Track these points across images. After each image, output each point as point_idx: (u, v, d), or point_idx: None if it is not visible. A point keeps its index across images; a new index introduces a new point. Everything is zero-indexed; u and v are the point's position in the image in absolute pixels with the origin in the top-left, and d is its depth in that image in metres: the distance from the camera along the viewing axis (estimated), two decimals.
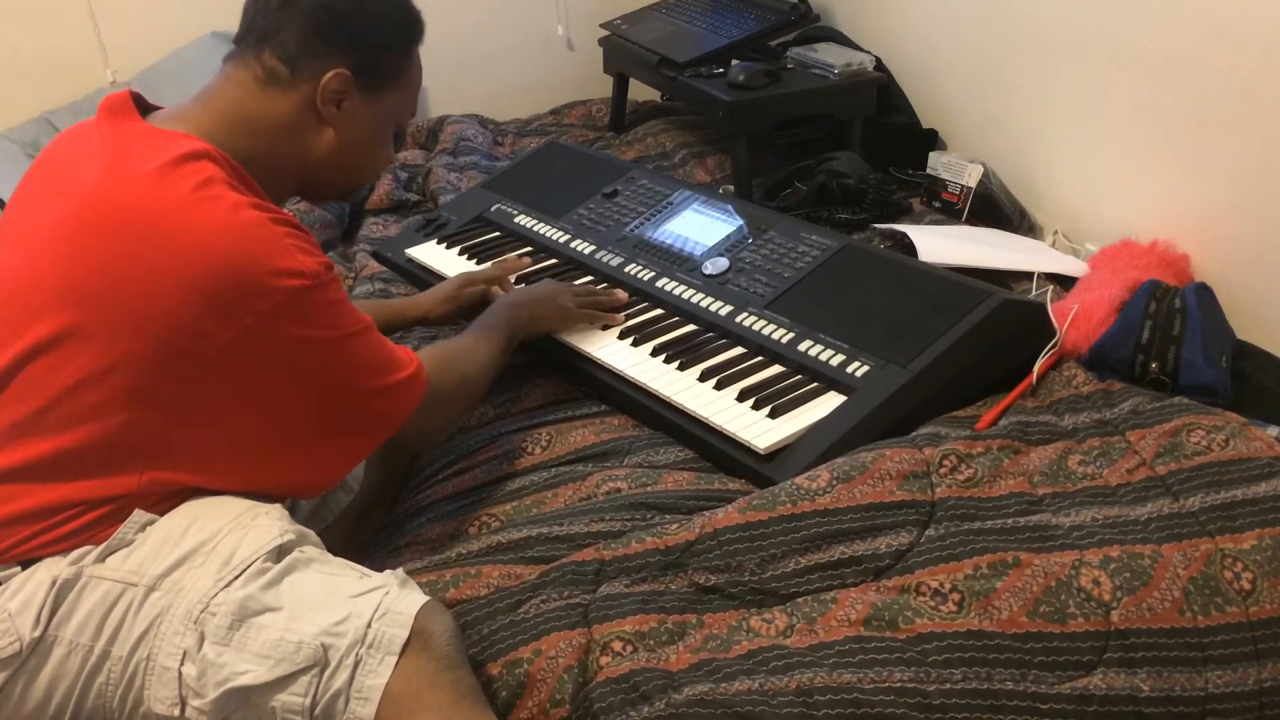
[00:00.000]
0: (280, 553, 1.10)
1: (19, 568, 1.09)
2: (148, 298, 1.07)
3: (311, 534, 1.17)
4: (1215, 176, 1.76)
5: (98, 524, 1.10)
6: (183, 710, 1.04)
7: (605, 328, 1.64)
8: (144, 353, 1.08)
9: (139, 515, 1.11)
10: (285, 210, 1.18)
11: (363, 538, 1.49)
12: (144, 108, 1.21)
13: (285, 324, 1.11)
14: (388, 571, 1.13)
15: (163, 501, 1.13)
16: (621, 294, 1.70)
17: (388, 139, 1.32)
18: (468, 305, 1.69)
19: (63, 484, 1.09)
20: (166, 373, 1.09)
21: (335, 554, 1.21)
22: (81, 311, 1.09)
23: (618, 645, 1.15)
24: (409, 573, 1.18)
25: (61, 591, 1.07)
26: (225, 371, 1.10)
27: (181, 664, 1.05)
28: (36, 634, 1.05)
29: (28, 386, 1.10)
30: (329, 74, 1.21)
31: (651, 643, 1.16)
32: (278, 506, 1.17)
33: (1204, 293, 1.64)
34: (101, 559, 1.09)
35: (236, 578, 1.07)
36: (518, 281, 1.77)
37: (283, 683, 1.02)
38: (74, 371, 1.09)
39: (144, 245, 1.08)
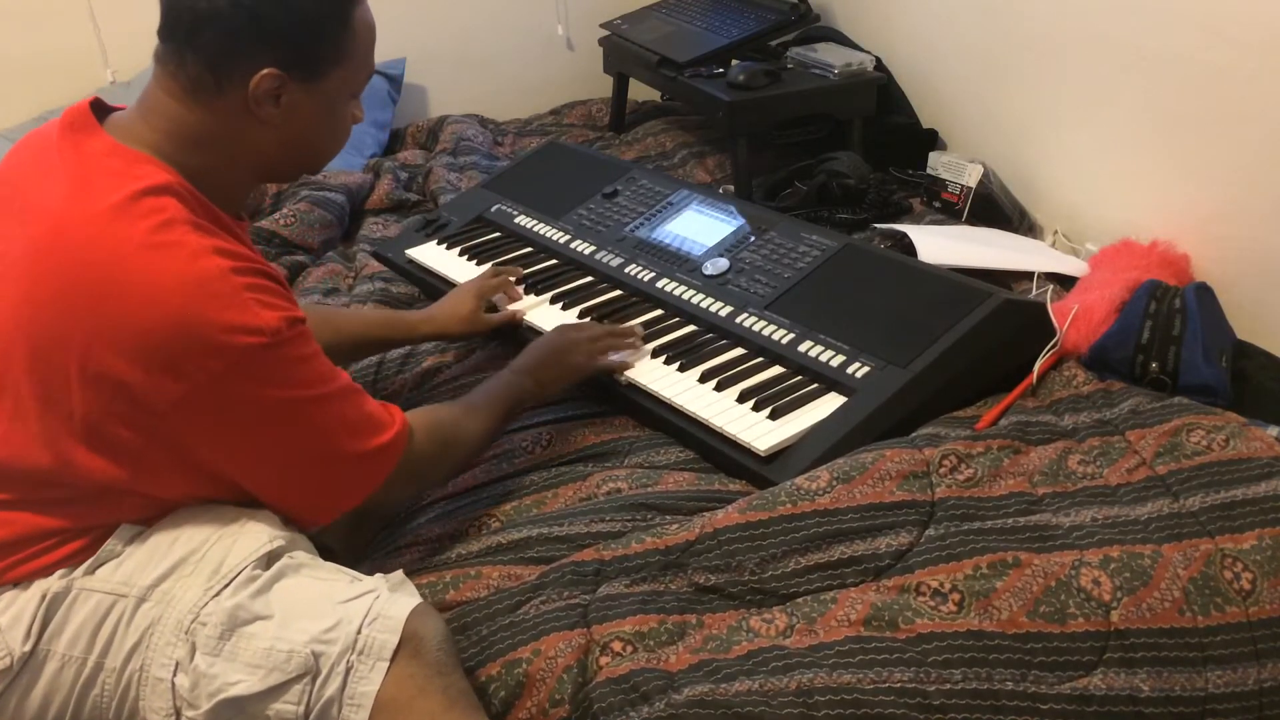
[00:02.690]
0: (270, 559, 1.10)
1: (10, 587, 1.08)
2: (99, 348, 1.02)
3: (302, 538, 1.16)
4: (1215, 176, 1.76)
5: (84, 550, 1.09)
6: None
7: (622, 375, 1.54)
8: (97, 400, 1.04)
9: (126, 527, 1.10)
10: (255, 252, 1.12)
11: (362, 538, 1.49)
12: (104, 110, 1.14)
13: (240, 383, 1.05)
14: (378, 575, 1.12)
15: (148, 522, 1.12)
16: (638, 329, 1.60)
17: (342, 114, 1.20)
18: (485, 330, 1.66)
19: (45, 515, 1.08)
20: (122, 423, 1.05)
21: (334, 555, 1.21)
22: (37, 357, 1.05)
23: (617, 645, 1.15)
24: (408, 573, 1.18)
25: (52, 605, 1.06)
26: (180, 425, 1.06)
27: (174, 675, 1.04)
28: (27, 648, 1.05)
29: None
30: (256, 77, 1.09)
31: (651, 643, 1.16)
32: (266, 511, 1.15)
33: (1204, 293, 1.63)
34: (91, 571, 1.08)
35: (225, 586, 1.06)
36: (525, 282, 1.76)
37: (275, 692, 1.02)
38: (39, 416, 1.06)
39: (97, 293, 1.02)
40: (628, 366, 1.54)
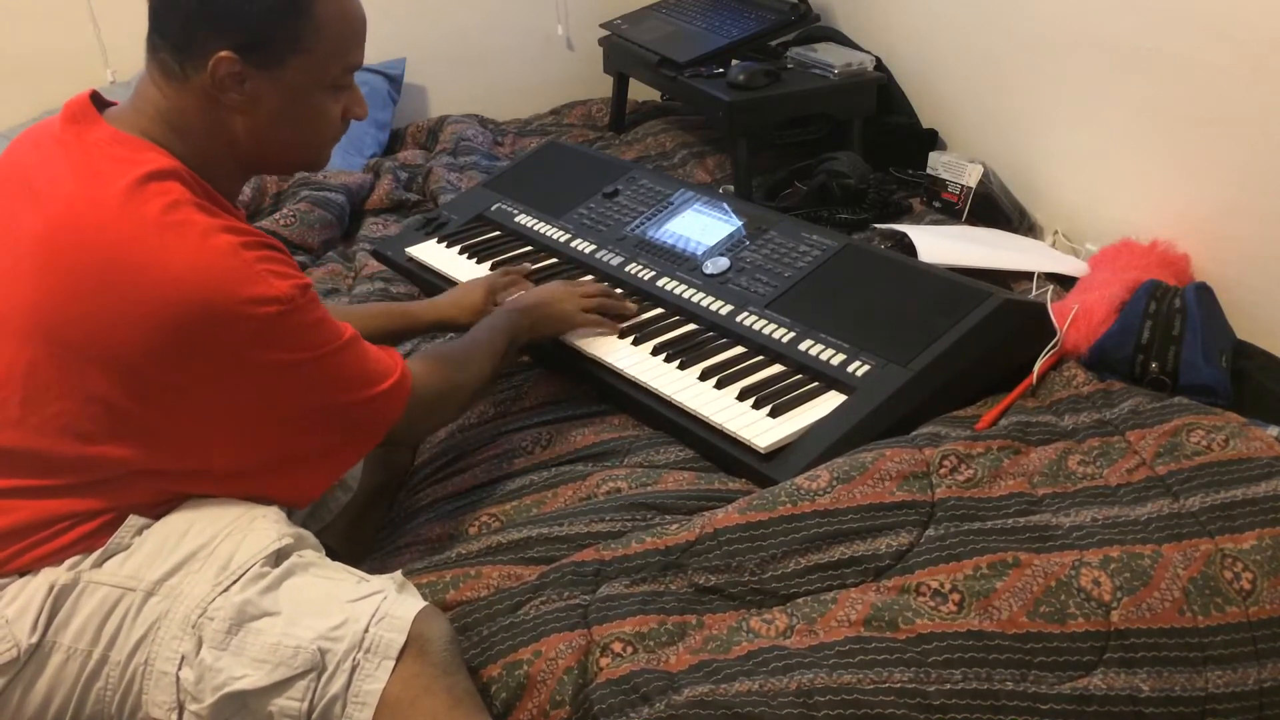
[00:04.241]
0: (279, 557, 1.10)
1: (16, 576, 1.08)
2: (118, 332, 1.04)
3: (310, 536, 1.17)
4: (1215, 176, 1.76)
5: (94, 535, 1.09)
6: (180, 715, 1.04)
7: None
8: (119, 384, 1.06)
9: (134, 519, 1.11)
10: (256, 228, 1.14)
11: (361, 537, 1.49)
12: (102, 104, 1.16)
13: (261, 351, 1.08)
14: (385, 575, 1.13)
15: (158, 507, 1.13)
16: (631, 305, 1.67)
17: (319, 105, 1.18)
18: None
19: (56, 499, 1.08)
20: (144, 402, 1.07)
21: (334, 553, 1.21)
22: (52, 341, 1.06)
23: (618, 646, 1.15)
24: (408, 573, 1.18)
25: (59, 597, 1.06)
26: (204, 399, 1.08)
27: (179, 669, 1.05)
28: (34, 640, 1.05)
29: (9, 413, 1.08)
30: (211, 61, 1.10)
31: (651, 644, 1.16)
32: (275, 508, 1.16)
33: (1204, 293, 1.64)
34: (99, 564, 1.08)
35: (234, 582, 1.07)
36: (530, 279, 1.75)
37: (280, 687, 1.02)
38: (53, 400, 1.07)
39: (113, 278, 1.04)
40: (612, 329, 1.62)
